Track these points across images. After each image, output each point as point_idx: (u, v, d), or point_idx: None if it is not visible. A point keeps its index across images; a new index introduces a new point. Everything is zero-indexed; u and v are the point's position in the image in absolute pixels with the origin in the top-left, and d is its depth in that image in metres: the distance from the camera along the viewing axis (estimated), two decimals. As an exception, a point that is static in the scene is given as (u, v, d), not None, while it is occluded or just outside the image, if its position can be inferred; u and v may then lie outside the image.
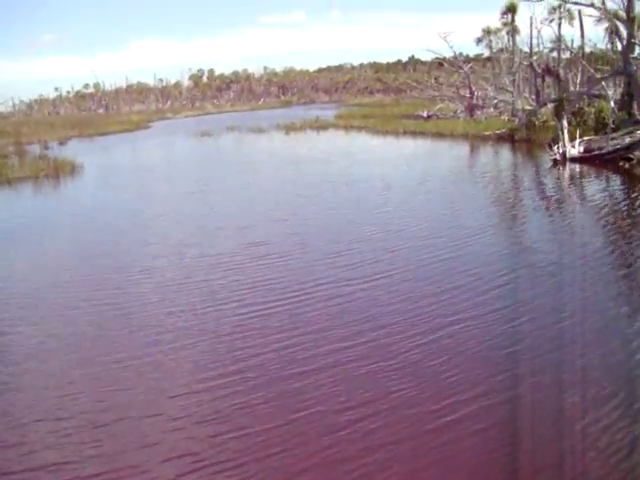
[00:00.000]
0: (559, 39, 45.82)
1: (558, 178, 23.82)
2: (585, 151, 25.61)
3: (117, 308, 11.25)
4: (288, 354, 8.85)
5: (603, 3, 30.42)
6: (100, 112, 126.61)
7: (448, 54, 51.34)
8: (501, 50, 57.96)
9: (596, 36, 43.83)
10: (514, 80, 43.88)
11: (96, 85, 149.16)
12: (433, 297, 10.77)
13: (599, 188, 21.14)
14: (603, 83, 30.50)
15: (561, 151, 25.64)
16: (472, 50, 74.42)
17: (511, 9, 46.89)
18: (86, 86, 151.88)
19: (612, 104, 29.00)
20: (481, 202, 19.54)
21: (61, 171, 31.91)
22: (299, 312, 10.52)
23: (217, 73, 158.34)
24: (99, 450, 6.79)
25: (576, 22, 45.38)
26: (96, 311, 11.10)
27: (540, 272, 11.74)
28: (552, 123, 29.79)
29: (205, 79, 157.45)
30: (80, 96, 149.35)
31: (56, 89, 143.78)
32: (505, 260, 13.01)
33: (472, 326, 9.40)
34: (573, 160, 25.34)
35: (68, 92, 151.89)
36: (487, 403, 7.29)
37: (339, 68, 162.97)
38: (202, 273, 13.10)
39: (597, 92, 30.93)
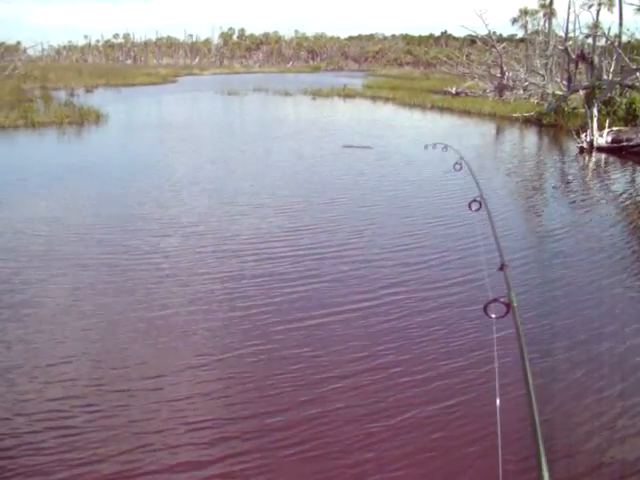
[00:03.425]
0: (596, 25, 45.24)
1: (583, 166, 23.62)
2: (613, 141, 25.33)
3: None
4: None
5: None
6: (128, 63, 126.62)
7: (482, 32, 50.55)
8: (536, 32, 57.20)
9: (634, 25, 43.21)
10: (547, 64, 43.32)
11: (126, 36, 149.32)
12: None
13: (624, 179, 20.97)
14: (638, 74, 30.04)
15: (589, 139, 25.36)
16: (507, 30, 73.70)
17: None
18: (116, 36, 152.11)
19: (645, 96, 28.62)
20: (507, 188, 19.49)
21: (86, 119, 32.03)
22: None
23: (248, 33, 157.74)
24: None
25: (615, 9, 44.84)
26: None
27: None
28: (582, 110, 29.45)
29: (235, 38, 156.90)
30: (109, 46, 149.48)
31: (85, 37, 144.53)
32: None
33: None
34: (600, 149, 25.06)
35: (97, 41, 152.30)
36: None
37: (370, 37, 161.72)
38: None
39: (630, 82, 30.50)
